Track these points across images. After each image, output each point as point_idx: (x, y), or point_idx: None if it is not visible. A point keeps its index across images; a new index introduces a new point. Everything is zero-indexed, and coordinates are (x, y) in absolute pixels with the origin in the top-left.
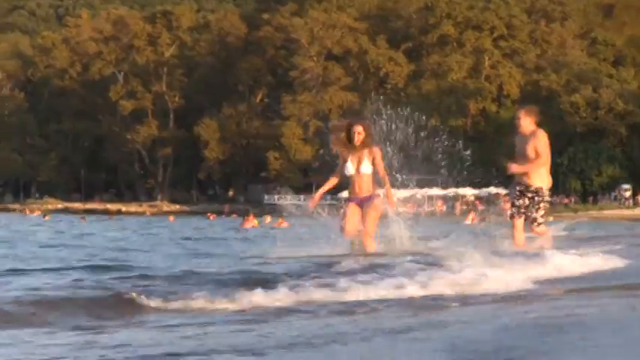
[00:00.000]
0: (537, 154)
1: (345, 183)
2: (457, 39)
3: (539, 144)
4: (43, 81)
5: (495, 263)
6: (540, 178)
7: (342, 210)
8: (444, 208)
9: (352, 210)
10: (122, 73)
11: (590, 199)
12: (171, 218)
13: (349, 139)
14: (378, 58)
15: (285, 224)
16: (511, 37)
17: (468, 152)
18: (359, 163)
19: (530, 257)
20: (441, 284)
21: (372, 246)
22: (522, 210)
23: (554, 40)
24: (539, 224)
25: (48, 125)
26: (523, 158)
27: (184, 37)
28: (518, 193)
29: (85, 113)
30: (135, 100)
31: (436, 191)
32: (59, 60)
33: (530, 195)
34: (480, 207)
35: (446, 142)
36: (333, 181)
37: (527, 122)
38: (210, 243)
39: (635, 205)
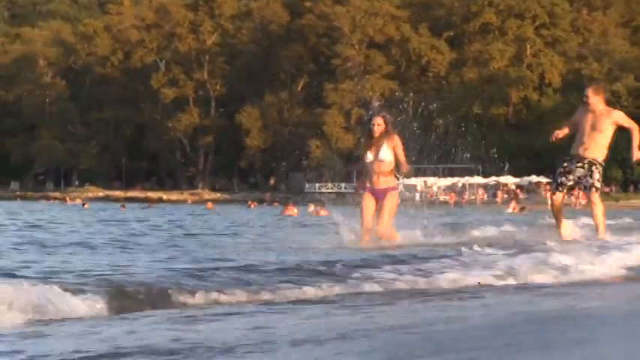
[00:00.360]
0: (627, 127)
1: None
2: (499, 27)
3: (622, 119)
4: (85, 69)
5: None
6: (599, 151)
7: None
8: (485, 196)
9: (367, 201)
10: (164, 61)
11: (631, 187)
12: (210, 205)
13: (370, 130)
14: (419, 46)
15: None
16: (553, 26)
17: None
18: (377, 149)
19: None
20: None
21: (394, 235)
22: (569, 186)
23: (596, 28)
24: (597, 189)
25: (89, 113)
26: (589, 132)
27: (226, 25)
28: (562, 169)
29: (127, 101)
30: (176, 88)
31: (477, 179)
32: (101, 47)
33: (585, 165)
34: (521, 195)
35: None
36: (359, 167)
37: (596, 100)
38: (266, 232)
39: None
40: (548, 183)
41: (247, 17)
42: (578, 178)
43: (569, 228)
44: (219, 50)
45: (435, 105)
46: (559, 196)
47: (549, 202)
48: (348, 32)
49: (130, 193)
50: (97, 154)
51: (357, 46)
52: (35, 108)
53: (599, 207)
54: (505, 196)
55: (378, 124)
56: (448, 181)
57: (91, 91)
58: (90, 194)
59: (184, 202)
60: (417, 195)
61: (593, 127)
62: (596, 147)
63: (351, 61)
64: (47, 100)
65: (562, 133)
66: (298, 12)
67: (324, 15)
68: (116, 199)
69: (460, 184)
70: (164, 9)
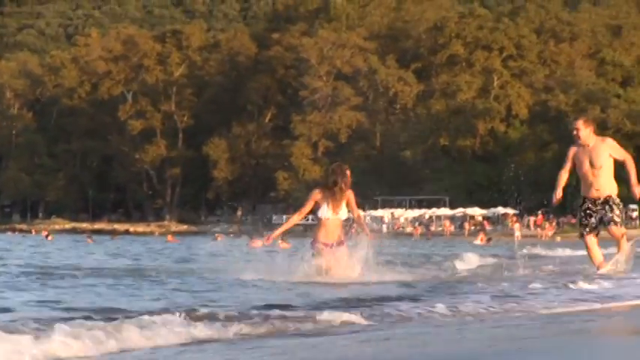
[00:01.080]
0: (620, 160)
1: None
2: (466, 59)
3: (616, 149)
4: (52, 100)
5: None
6: (610, 187)
7: (312, 252)
8: (452, 228)
9: (326, 252)
10: (131, 93)
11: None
12: (170, 238)
13: (335, 182)
14: (387, 78)
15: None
16: (520, 57)
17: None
18: (338, 207)
19: None
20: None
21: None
22: (593, 226)
23: (563, 60)
24: (617, 223)
25: (56, 145)
26: (590, 170)
27: (194, 57)
28: (583, 213)
29: (94, 133)
30: (144, 120)
31: (444, 211)
32: (68, 79)
33: (602, 205)
34: (488, 227)
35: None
36: (295, 220)
37: (586, 133)
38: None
39: None
40: (515, 214)
41: (215, 49)
42: (599, 219)
43: (608, 265)
44: (187, 82)
45: (402, 136)
46: (588, 240)
47: (516, 234)
48: (315, 64)
49: (97, 225)
50: (63, 185)
51: (324, 78)
52: (2, 140)
53: (623, 242)
54: (472, 227)
55: (349, 177)
56: (415, 212)
57: (58, 123)
58: (57, 226)
59: (151, 234)
60: (384, 227)
61: (592, 165)
62: (605, 183)
63: (318, 92)
64: (14, 131)
65: (560, 188)
66: (266, 44)
67: (291, 47)
68: (83, 231)
69: (427, 216)
70: (131, 41)
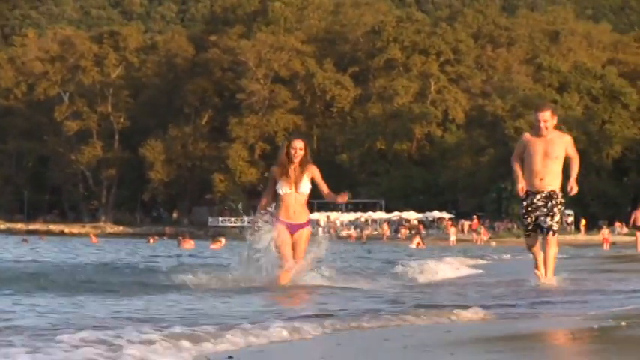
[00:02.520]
0: (570, 157)
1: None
2: (404, 63)
3: (571, 147)
4: None
5: None
6: (555, 181)
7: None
8: (389, 232)
9: (284, 235)
10: (68, 94)
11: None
12: (95, 239)
13: (288, 155)
14: (324, 82)
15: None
16: (457, 62)
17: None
18: (297, 181)
19: None
20: None
21: (288, 278)
22: (533, 227)
23: (500, 65)
24: (555, 232)
25: None
26: (545, 160)
27: (131, 58)
28: (524, 210)
29: (30, 133)
30: (80, 121)
31: (380, 215)
32: (4, 79)
33: (544, 200)
34: (423, 231)
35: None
36: (263, 205)
37: (552, 123)
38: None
39: (577, 230)
40: (450, 218)
41: (152, 51)
42: (536, 217)
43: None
44: (124, 83)
45: (339, 140)
46: (530, 240)
47: (451, 239)
48: (253, 67)
49: (32, 226)
50: None
51: (261, 81)
52: None
53: (553, 249)
54: (408, 231)
55: (300, 149)
56: (351, 216)
57: None
58: None
59: (86, 235)
60: (320, 230)
61: (547, 155)
62: (552, 176)
63: (255, 95)
64: None
65: (522, 177)
66: (203, 46)
67: (229, 49)
68: (17, 232)
69: (363, 219)
70: (68, 41)
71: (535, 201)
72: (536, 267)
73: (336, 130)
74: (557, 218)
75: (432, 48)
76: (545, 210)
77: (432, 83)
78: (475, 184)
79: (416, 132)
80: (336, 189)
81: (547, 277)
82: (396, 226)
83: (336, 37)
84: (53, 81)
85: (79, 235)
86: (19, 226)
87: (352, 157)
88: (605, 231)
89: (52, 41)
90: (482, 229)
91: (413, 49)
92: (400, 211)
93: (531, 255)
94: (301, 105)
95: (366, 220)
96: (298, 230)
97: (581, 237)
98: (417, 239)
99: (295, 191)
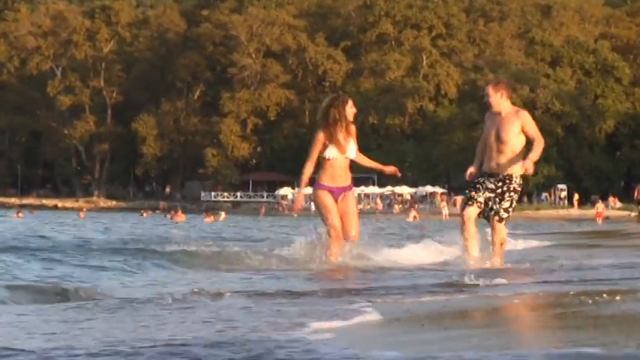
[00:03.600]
0: (531, 138)
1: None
2: (396, 38)
3: (529, 125)
4: None
5: None
6: (513, 164)
7: (311, 201)
8: (382, 206)
9: (329, 199)
10: (60, 68)
11: (525, 199)
12: (82, 215)
13: (339, 115)
14: (316, 56)
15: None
16: (449, 37)
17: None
18: (346, 143)
19: None
20: None
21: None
22: (479, 199)
23: (492, 39)
24: (502, 219)
25: None
26: (497, 143)
27: (123, 33)
28: (472, 185)
29: (23, 108)
30: (73, 96)
31: (373, 189)
32: None
33: (497, 183)
34: (416, 205)
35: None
36: (309, 171)
37: (497, 99)
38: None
39: (571, 205)
40: (443, 193)
41: (144, 25)
42: (487, 199)
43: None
44: (116, 58)
45: None
46: (470, 211)
47: (444, 213)
48: (244, 41)
49: (25, 201)
50: None
51: (253, 55)
52: None
53: (500, 235)
54: (402, 206)
55: (352, 107)
56: None
57: None
58: None
59: (79, 209)
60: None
61: (498, 137)
62: (509, 161)
63: (247, 69)
64: None
65: (472, 169)
66: (195, 20)
67: (221, 24)
68: (11, 206)
69: (355, 194)
70: (61, 16)
71: (488, 183)
72: (465, 247)
73: None
74: (506, 205)
75: (423, 22)
76: (495, 194)
77: (424, 58)
78: (468, 159)
79: (408, 106)
80: None
81: (493, 262)
82: (389, 200)
83: (328, 11)
84: (45, 56)
85: (72, 209)
86: (13, 200)
87: None
88: (599, 205)
89: (44, 16)
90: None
91: (405, 23)
92: (392, 185)
93: (463, 235)
94: (293, 79)
95: (359, 195)
96: (341, 193)
97: (575, 211)
98: (413, 213)
99: (342, 155)
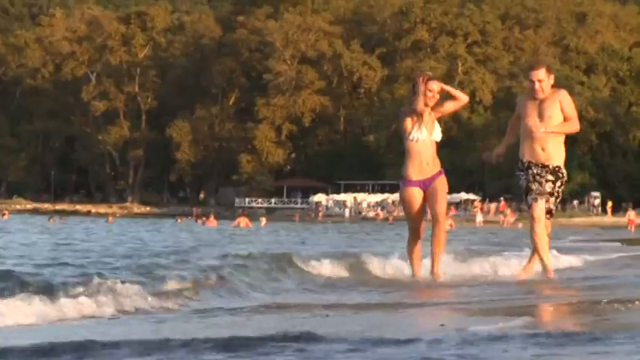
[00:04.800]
0: (566, 118)
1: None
2: (431, 44)
3: (567, 105)
4: (15, 80)
5: None
6: (560, 153)
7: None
8: None
9: (415, 196)
10: (95, 74)
11: (559, 206)
12: (110, 219)
13: (419, 98)
14: (352, 63)
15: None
16: (485, 44)
17: None
18: (431, 126)
19: None
20: None
21: (444, 237)
22: (546, 194)
23: (528, 46)
24: (552, 215)
25: (19, 125)
26: (535, 123)
27: (158, 39)
28: (532, 177)
29: (57, 113)
30: (107, 101)
31: None
32: (32, 59)
33: (551, 176)
34: (453, 212)
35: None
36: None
37: (549, 83)
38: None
39: (604, 213)
40: (479, 200)
41: (179, 31)
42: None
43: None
44: (151, 64)
45: (366, 121)
46: (540, 207)
47: (478, 220)
48: (280, 47)
49: (59, 206)
50: (26, 166)
51: (289, 62)
52: None
53: (548, 229)
54: None
55: (435, 91)
56: (378, 197)
57: (21, 103)
58: (18, 206)
59: (113, 215)
60: (347, 211)
61: (542, 118)
62: (554, 148)
63: (282, 76)
64: None
65: (500, 149)
66: (231, 26)
67: (256, 30)
68: (45, 212)
69: (390, 200)
70: (96, 21)
71: (539, 171)
72: (540, 258)
73: (363, 111)
74: (558, 200)
75: (459, 29)
76: (551, 190)
77: (460, 64)
78: (502, 166)
79: None
80: (362, 170)
81: (547, 270)
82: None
83: (364, 18)
84: (80, 61)
85: (106, 215)
86: (46, 206)
87: (379, 138)
88: (630, 213)
89: (79, 21)
90: (509, 211)
91: (440, 30)
92: None
93: (534, 242)
94: (328, 86)
95: (393, 202)
96: (431, 182)
97: (608, 219)
98: (450, 221)
99: (430, 137)
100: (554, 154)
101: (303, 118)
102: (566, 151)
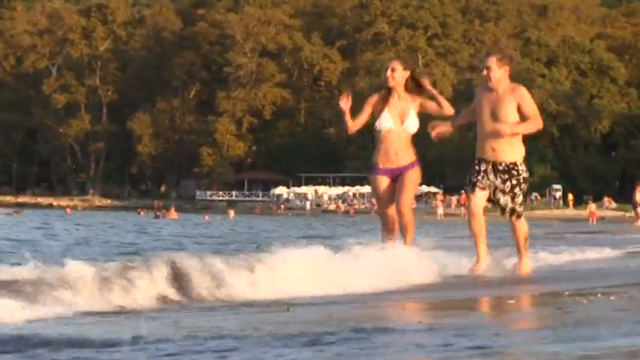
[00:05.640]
0: (527, 117)
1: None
2: (391, 37)
3: (527, 104)
4: None
5: None
6: (513, 149)
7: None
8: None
9: (383, 182)
10: (56, 67)
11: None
12: (68, 212)
13: (386, 79)
14: (312, 55)
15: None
16: (445, 37)
17: None
18: (402, 114)
19: None
20: None
21: (412, 224)
22: (483, 187)
23: (488, 39)
24: (519, 215)
25: None
26: (492, 123)
27: (119, 32)
28: (476, 172)
29: (18, 106)
30: (68, 94)
31: (368, 189)
32: None
33: (502, 175)
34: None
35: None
36: (351, 127)
37: (499, 74)
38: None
39: (565, 205)
40: (441, 193)
41: (140, 24)
42: (494, 191)
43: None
44: (112, 57)
45: (326, 114)
46: (479, 198)
47: (439, 212)
48: (240, 40)
49: (21, 199)
50: None
51: (249, 54)
52: None
53: (522, 231)
54: None
55: (392, 69)
56: (339, 189)
57: None
58: None
59: (74, 207)
60: (308, 204)
61: (494, 118)
62: (508, 145)
63: (243, 69)
64: None
65: (444, 127)
66: (191, 19)
67: (216, 23)
68: (6, 205)
69: (351, 193)
70: (57, 14)
71: (491, 175)
72: (478, 248)
73: (324, 103)
74: (520, 199)
75: (419, 22)
76: (504, 190)
77: (420, 57)
78: (463, 159)
79: None
80: (323, 163)
81: (522, 264)
82: None
83: (324, 10)
84: (41, 54)
85: (67, 207)
86: (8, 198)
87: (340, 131)
88: (591, 205)
89: (40, 14)
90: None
91: (401, 23)
92: None
93: (472, 235)
94: (289, 79)
95: (354, 194)
96: (401, 172)
97: (569, 212)
98: None
99: (400, 127)
100: (507, 151)
101: (264, 111)
102: (527, 144)
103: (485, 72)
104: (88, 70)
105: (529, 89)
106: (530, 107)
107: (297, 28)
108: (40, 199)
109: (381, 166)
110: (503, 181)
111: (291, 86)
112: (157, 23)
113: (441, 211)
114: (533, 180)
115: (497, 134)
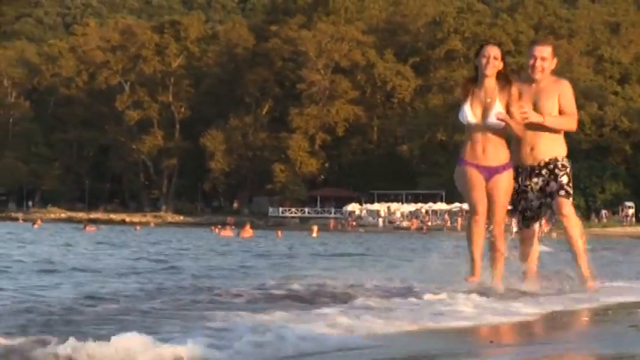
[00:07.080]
0: (563, 112)
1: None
2: (464, 54)
3: (568, 99)
4: (49, 89)
5: None
6: (554, 145)
7: (461, 178)
8: (450, 222)
9: (476, 179)
10: (128, 83)
11: (593, 215)
12: (138, 228)
13: (477, 69)
14: (385, 72)
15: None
16: (518, 54)
17: None
18: (486, 108)
19: None
20: None
21: (502, 242)
22: (528, 213)
23: (561, 56)
24: (568, 194)
25: (53, 134)
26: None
27: (192, 48)
28: (516, 195)
29: (91, 122)
30: (141, 110)
31: (440, 206)
32: (65, 68)
33: (543, 173)
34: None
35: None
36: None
37: (550, 65)
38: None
39: (638, 222)
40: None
41: (213, 40)
42: (540, 190)
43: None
44: (185, 73)
45: (399, 131)
46: (523, 234)
47: (513, 231)
48: (313, 57)
49: (93, 215)
50: (60, 174)
51: (322, 71)
52: None
53: (574, 222)
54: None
55: (494, 58)
56: (411, 206)
57: (55, 112)
58: (52, 215)
59: (147, 224)
60: (380, 221)
61: (544, 108)
62: (549, 142)
63: (316, 85)
64: (11, 120)
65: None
66: (264, 36)
67: (289, 39)
68: (79, 221)
69: (424, 210)
70: (130, 31)
71: (524, 179)
72: (525, 274)
73: (397, 120)
74: (565, 179)
75: (492, 39)
76: (544, 178)
77: None
78: None
79: None
80: (395, 180)
81: (584, 277)
82: (457, 217)
83: (397, 27)
84: (114, 70)
85: (140, 224)
86: (80, 214)
87: (412, 148)
88: None
89: (113, 30)
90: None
91: (473, 40)
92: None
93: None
94: (362, 95)
95: (427, 211)
96: (490, 174)
97: None
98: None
99: (482, 121)
100: (547, 148)
101: (337, 128)
102: (600, 162)
103: (537, 62)
104: (160, 86)
105: (602, 106)
106: (570, 103)
107: (370, 45)
108: (112, 216)
109: (469, 160)
110: (543, 176)
111: (363, 103)
112: (230, 39)
113: (515, 229)
114: (605, 197)
115: (535, 127)
